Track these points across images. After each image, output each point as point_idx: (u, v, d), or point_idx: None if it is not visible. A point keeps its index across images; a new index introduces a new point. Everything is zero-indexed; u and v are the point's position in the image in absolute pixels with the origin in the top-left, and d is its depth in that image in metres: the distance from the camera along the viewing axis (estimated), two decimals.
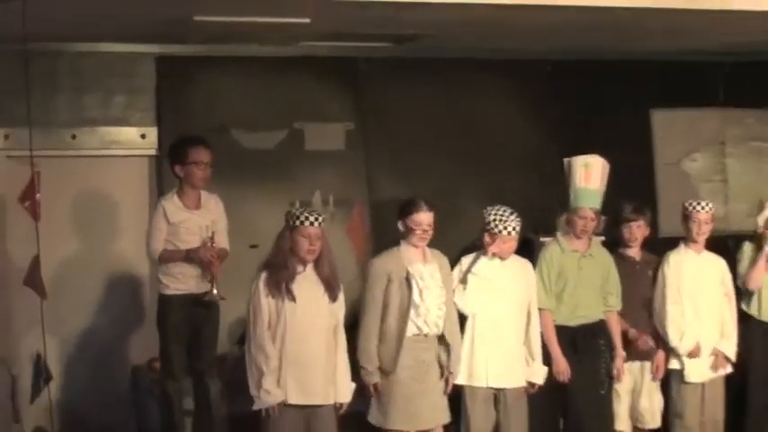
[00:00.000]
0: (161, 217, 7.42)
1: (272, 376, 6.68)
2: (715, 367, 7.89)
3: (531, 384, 7.50)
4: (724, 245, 8.25)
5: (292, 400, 6.72)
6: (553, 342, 7.59)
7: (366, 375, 7.09)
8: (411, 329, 7.17)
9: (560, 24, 8.00)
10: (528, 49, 9.24)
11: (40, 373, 7.54)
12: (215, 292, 7.38)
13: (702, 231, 7.94)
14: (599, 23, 7.98)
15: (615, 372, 7.74)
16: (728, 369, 8.03)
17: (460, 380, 7.47)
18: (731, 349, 7.93)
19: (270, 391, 6.67)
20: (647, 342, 7.84)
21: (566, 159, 7.76)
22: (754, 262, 8.00)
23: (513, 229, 7.38)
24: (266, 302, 6.73)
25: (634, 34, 8.54)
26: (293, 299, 6.72)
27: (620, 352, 7.78)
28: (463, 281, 7.40)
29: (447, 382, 7.31)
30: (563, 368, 7.57)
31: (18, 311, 8.28)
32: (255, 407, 6.71)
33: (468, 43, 8.91)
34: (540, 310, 7.58)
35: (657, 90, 9.83)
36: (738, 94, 10.00)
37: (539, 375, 7.49)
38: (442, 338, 7.28)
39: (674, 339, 7.84)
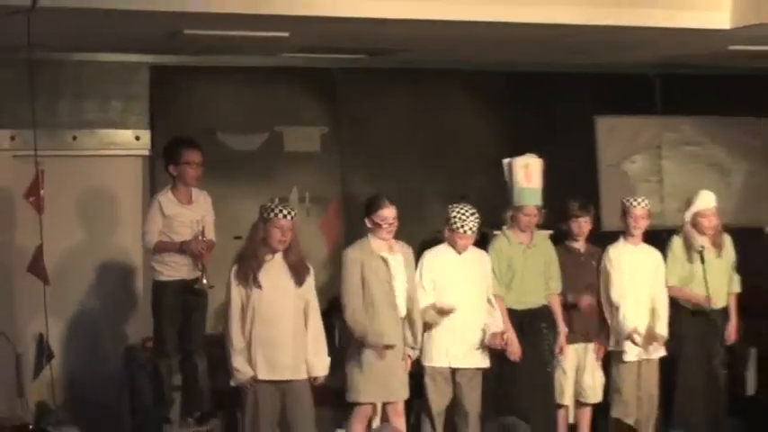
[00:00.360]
0: (157, 210, 7.44)
1: (240, 356, 6.79)
2: (654, 346, 7.94)
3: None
4: (660, 238, 8.31)
5: (262, 376, 6.82)
6: (507, 325, 7.63)
7: (364, 337, 7.09)
8: None
9: (518, 39, 8.06)
10: (488, 62, 9.28)
11: (43, 352, 7.53)
12: (205, 281, 7.39)
13: (638, 226, 8.03)
14: (550, 38, 8.04)
15: (558, 348, 7.81)
16: (662, 352, 8.11)
17: (425, 360, 7.55)
18: (665, 329, 7.99)
19: (240, 370, 6.80)
20: (587, 300, 7.93)
21: (505, 161, 7.81)
22: (687, 271, 8.09)
23: (470, 228, 7.44)
24: (237, 292, 6.83)
25: (581, 48, 8.61)
26: (260, 287, 6.81)
27: (563, 329, 7.86)
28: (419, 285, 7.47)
29: (407, 359, 7.37)
30: (516, 349, 7.62)
31: (23, 296, 8.27)
32: (232, 383, 6.83)
33: (434, 56, 8.95)
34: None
35: (601, 99, 9.89)
36: (674, 103, 10.09)
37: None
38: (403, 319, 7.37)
39: (619, 317, 7.91)
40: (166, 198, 7.47)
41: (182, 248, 7.38)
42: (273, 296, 6.84)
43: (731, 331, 8.18)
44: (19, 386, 8.28)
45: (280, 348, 6.84)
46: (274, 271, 6.88)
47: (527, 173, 7.74)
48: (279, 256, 6.89)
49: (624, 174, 9.99)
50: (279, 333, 6.85)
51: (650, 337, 7.93)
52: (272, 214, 6.83)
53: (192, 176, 7.49)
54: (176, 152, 7.49)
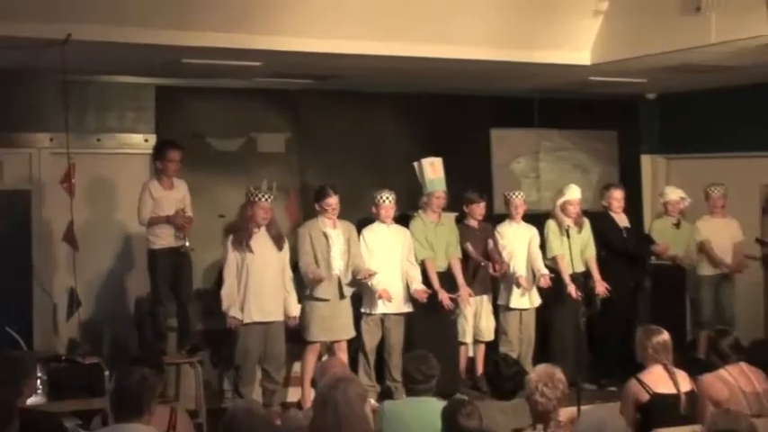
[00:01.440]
0: (147, 194, 7.43)
1: (235, 306, 6.92)
2: (545, 281, 7.99)
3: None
4: (538, 220, 8.45)
5: (256, 319, 6.96)
6: (435, 281, 7.72)
7: (314, 273, 7.20)
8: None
9: (433, 69, 8.04)
10: (411, 86, 9.29)
11: (73, 301, 7.50)
12: (187, 244, 7.40)
13: (517, 211, 8.23)
14: (458, 69, 8.04)
15: (459, 299, 7.83)
16: (539, 301, 8.24)
17: (363, 309, 7.64)
18: (544, 269, 8.06)
19: (234, 317, 6.95)
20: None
21: (414, 162, 7.93)
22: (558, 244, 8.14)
23: (387, 198, 7.58)
24: (233, 256, 6.96)
25: (481, 77, 8.64)
26: (252, 251, 6.94)
27: (461, 283, 7.86)
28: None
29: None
30: (446, 298, 7.69)
31: (58, 259, 8.24)
32: (228, 326, 6.99)
33: (370, 81, 8.96)
34: (424, 260, 7.72)
35: (495, 115, 9.90)
36: (549, 119, 10.11)
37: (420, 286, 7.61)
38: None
39: (510, 271, 8.03)
40: (154, 185, 7.48)
41: (168, 221, 7.40)
42: (261, 258, 7.01)
43: (598, 283, 8.22)
44: (55, 327, 8.29)
45: (268, 297, 7.03)
46: (261, 240, 7.05)
47: (433, 168, 7.91)
48: (263, 229, 7.05)
49: (511, 171, 10.02)
50: (266, 286, 7.02)
51: (540, 277, 8.01)
52: (256, 198, 7.02)
53: (173, 169, 7.50)
54: (163, 151, 7.51)
